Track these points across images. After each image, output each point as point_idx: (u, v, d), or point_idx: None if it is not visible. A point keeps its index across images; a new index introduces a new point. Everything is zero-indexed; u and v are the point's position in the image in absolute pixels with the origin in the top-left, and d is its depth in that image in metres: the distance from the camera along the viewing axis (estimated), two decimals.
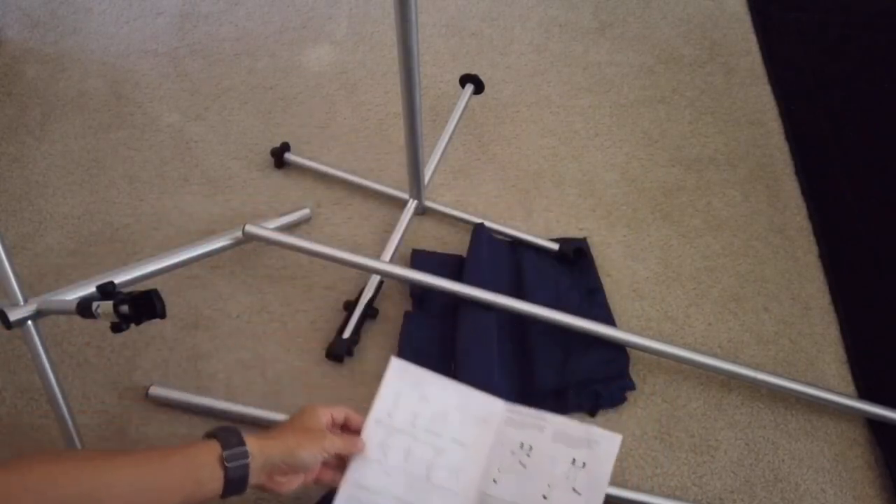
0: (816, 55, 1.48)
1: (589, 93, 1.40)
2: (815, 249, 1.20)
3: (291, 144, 1.25)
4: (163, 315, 0.67)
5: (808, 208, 1.25)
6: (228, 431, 0.69)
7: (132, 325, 0.68)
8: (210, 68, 1.37)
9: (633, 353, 1.04)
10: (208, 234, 1.15)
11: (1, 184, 1.20)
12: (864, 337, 1.10)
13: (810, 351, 1.09)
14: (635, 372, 1.04)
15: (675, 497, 0.94)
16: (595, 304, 1.10)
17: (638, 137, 1.33)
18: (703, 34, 1.52)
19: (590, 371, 1.01)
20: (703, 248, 1.19)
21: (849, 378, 1.07)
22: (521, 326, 1.05)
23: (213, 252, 1.01)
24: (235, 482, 0.66)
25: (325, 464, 0.76)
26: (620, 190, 1.26)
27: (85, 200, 1.18)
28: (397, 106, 1.01)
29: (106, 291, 0.70)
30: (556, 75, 1.42)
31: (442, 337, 1.04)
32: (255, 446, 0.68)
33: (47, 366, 0.87)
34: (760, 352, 1.09)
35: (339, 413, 0.79)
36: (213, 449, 0.66)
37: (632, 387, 1.02)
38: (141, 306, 0.66)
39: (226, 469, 0.65)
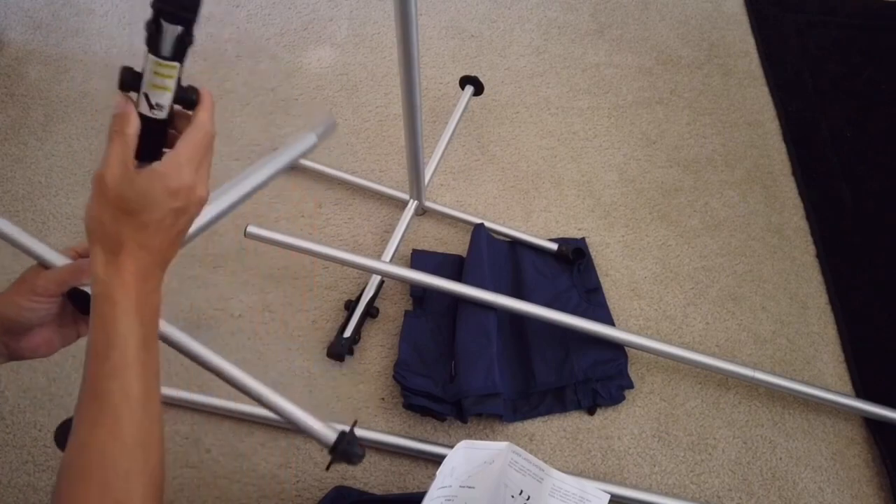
0: (814, 56, 1.49)
1: (588, 94, 1.40)
2: (812, 249, 1.21)
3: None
4: None
5: (806, 208, 1.25)
6: None
7: None
8: (211, 70, 1.38)
9: (631, 353, 1.05)
10: (210, 234, 1.15)
11: (4, 184, 1.20)
12: (862, 336, 1.11)
13: (808, 350, 1.10)
14: (634, 371, 1.05)
15: (673, 495, 0.95)
16: (594, 303, 1.10)
17: (636, 138, 1.34)
18: (702, 36, 1.52)
19: (589, 370, 1.01)
20: (701, 247, 1.20)
21: (846, 377, 1.08)
22: (521, 326, 1.06)
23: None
24: None
25: (57, 317, 0.64)
26: (619, 190, 1.26)
27: (86, 201, 1.19)
28: (398, 107, 1.02)
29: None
30: (555, 77, 1.43)
31: (442, 336, 1.05)
32: None
33: None
34: (758, 351, 1.09)
35: (76, 249, 0.66)
36: None
37: (630, 386, 1.03)
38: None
39: None
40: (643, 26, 1.53)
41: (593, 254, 1.17)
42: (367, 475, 0.95)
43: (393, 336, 1.06)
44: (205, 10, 1.45)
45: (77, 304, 0.64)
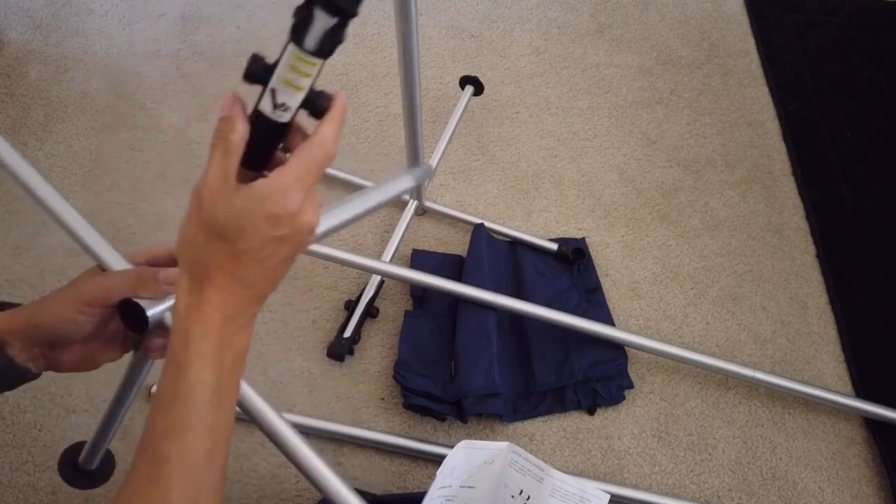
0: (814, 56, 1.49)
1: (588, 94, 1.40)
2: (812, 249, 1.21)
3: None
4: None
5: (806, 208, 1.25)
6: None
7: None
8: (212, 70, 1.38)
9: (631, 353, 1.05)
10: None
11: (4, 184, 1.20)
12: (862, 336, 1.11)
13: (808, 350, 1.10)
14: (634, 371, 1.05)
15: (673, 495, 0.95)
16: (594, 303, 1.10)
17: (636, 138, 1.34)
18: (702, 35, 1.52)
19: (589, 370, 1.01)
20: (701, 247, 1.20)
21: (846, 377, 1.08)
22: (521, 326, 1.06)
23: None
24: None
25: (104, 330, 0.57)
26: (619, 190, 1.26)
27: (87, 201, 1.19)
28: (398, 107, 1.02)
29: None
30: (555, 77, 1.43)
31: (442, 336, 1.05)
32: (4, 327, 0.54)
33: None
34: (758, 351, 1.09)
35: (144, 255, 0.59)
36: None
37: (630, 386, 1.03)
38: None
39: None
40: (643, 26, 1.53)
41: (593, 254, 1.17)
42: (367, 475, 0.95)
43: (393, 336, 1.06)
44: (205, 9, 1.45)
45: (127, 321, 0.55)
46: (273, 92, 0.44)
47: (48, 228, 1.15)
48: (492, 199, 1.24)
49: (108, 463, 0.82)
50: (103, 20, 1.45)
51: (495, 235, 1.17)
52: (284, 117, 0.45)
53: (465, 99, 1.27)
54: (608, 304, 1.11)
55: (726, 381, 1.05)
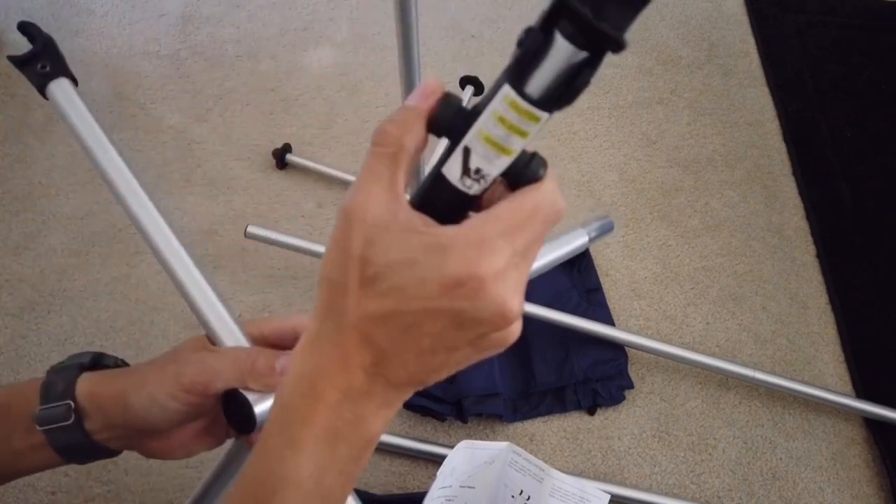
0: (814, 56, 1.49)
1: (588, 94, 1.39)
2: (812, 249, 1.21)
3: (293, 146, 1.25)
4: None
5: (806, 208, 1.25)
6: (63, 372, 0.46)
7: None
8: (212, 70, 1.38)
9: (631, 353, 1.05)
10: (210, 234, 1.15)
11: (4, 184, 1.20)
12: (862, 336, 1.11)
13: (808, 350, 1.10)
14: (634, 371, 1.05)
15: (673, 495, 0.95)
16: (594, 303, 1.10)
17: (636, 138, 1.34)
18: (702, 36, 1.52)
19: (589, 370, 1.01)
20: (702, 248, 1.20)
21: (846, 377, 1.08)
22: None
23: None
24: (67, 452, 0.45)
25: (203, 417, 0.48)
26: (619, 190, 1.26)
27: (88, 201, 1.19)
28: (398, 107, 1.01)
29: None
30: None
31: None
32: (87, 394, 0.44)
33: None
34: (758, 351, 1.09)
35: (267, 326, 0.49)
36: (30, 401, 0.44)
37: (630, 386, 1.03)
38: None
39: (46, 434, 0.44)
40: (643, 26, 1.53)
41: (593, 254, 1.17)
42: (367, 475, 0.95)
43: None
44: (205, 10, 1.45)
45: (231, 417, 0.46)
46: (466, 153, 0.31)
47: (48, 228, 1.15)
48: None
49: None
50: (103, 21, 1.45)
51: None
52: (475, 189, 0.31)
53: (466, 99, 1.27)
54: (608, 304, 1.11)
55: (726, 381, 1.05)
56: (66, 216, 1.17)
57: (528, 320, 1.04)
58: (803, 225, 1.24)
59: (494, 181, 0.32)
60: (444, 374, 0.33)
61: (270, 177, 1.24)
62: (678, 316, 1.12)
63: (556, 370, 1.02)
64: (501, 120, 0.30)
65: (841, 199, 1.27)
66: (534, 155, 0.32)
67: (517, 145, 0.31)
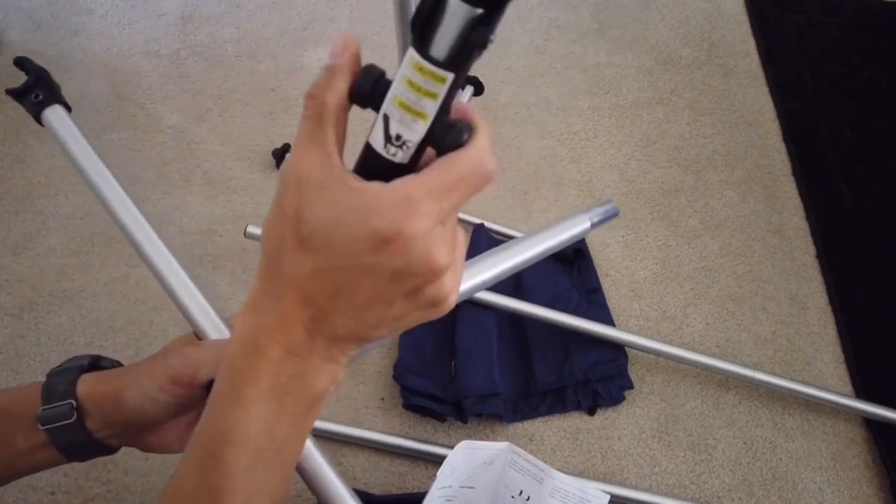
0: (814, 56, 1.49)
1: (588, 94, 1.40)
2: (812, 249, 1.21)
3: (293, 146, 1.25)
4: None
5: (806, 209, 1.25)
6: (63, 374, 0.48)
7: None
8: (212, 70, 1.38)
9: (631, 353, 1.05)
10: (210, 234, 1.15)
11: (3, 184, 1.20)
12: (862, 336, 1.11)
13: (808, 350, 1.10)
14: (634, 371, 1.05)
15: (673, 495, 0.95)
16: (594, 303, 1.10)
17: (637, 138, 1.34)
18: (702, 36, 1.52)
19: (589, 370, 1.01)
20: (702, 248, 1.20)
21: (846, 377, 1.08)
22: (521, 326, 1.06)
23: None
24: (69, 450, 0.47)
25: (197, 410, 0.49)
26: (619, 191, 1.26)
27: (87, 201, 1.19)
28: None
29: None
30: (556, 77, 1.43)
31: (441, 336, 1.04)
32: (86, 394, 0.47)
33: None
34: (758, 351, 1.09)
35: None
36: (31, 403, 0.47)
37: (630, 386, 1.03)
38: None
39: (48, 433, 0.46)
40: (643, 26, 1.53)
41: (593, 254, 1.17)
42: (367, 475, 0.95)
43: (392, 336, 1.06)
44: (205, 9, 1.45)
45: None
46: (386, 119, 0.32)
47: (48, 228, 1.15)
48: (492, 200, 1.24)
49: None
50: (103, 20, 1.45)
51: (495, 236, 1.17)
52: (399, 156, 0.32)
53: (465, 99, 1.27)
54: (608, 304, 1.11)
55: (726, 381, 1.05)
56: (65, 216, 1.17)
57: (529, 320, 1.04)
58: (803, 225, 1.24)
59: (421, 149, 0.32)
60: (385, 331, 0.34)
61: (270, 177, 1.24)
62: (678, 316, 1.12)
63: (556, 370, 1.02)
64: (411, 84, 0.31)
65: (841, 199, 1.27)
66: (454, 122, 0.33)
67: (430, 108, 0.31)
